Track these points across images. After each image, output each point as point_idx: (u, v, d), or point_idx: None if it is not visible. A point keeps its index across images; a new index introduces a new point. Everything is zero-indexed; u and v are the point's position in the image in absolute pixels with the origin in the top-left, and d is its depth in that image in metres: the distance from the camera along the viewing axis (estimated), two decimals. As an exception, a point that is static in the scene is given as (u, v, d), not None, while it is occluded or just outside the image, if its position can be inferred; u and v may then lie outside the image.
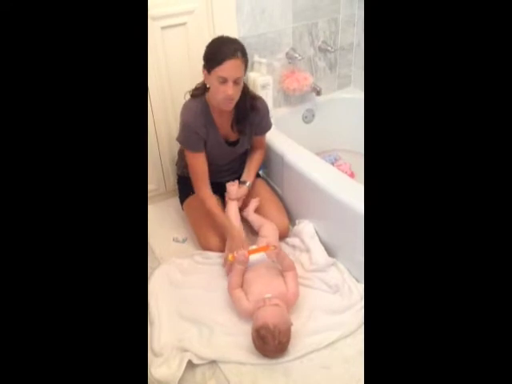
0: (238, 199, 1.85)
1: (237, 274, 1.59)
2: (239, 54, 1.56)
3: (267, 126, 1.89)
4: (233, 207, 1.83)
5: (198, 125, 1.71)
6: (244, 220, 1.89)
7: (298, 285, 1.59)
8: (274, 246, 1.61)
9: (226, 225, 1.75)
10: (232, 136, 1.83)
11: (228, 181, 1.90)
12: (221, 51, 1.56)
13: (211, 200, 1.79)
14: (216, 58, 1.56)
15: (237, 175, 1.95)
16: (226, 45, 1.57)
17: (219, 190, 1.89)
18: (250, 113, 1.76)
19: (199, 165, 1.77)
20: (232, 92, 1.59)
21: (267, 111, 1.85)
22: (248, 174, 1.90)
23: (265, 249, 1.62)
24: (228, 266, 1.68)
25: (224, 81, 1.57)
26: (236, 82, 1.59)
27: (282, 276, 1.61)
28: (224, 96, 1.60)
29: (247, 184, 1.87)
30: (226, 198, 1.86)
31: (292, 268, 1.61)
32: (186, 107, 1.74)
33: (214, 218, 1.78)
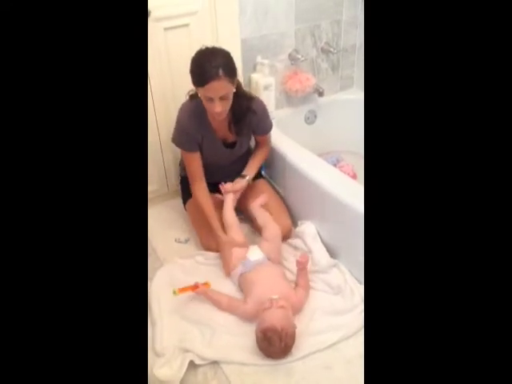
0: (234, 192, 1.83)
1: (213, 294, 1.57)
2: (221, 72, 1.50)
3: (267, 127, 1.86)
4: (229, 202, 1.81)
5: (191, 127, 1.72)
6: (245, 219, 1.88)
7: (307, 296, 1.59)
8: (301, 260, 1.58)
9: (216, 230, 1.76)
10: (230, 137, 1.82)
11: (232, 181, 1.90)
12: (203, 72, 1.51)
13: (206, 200, 1.79)
14: (199, 78, 1.54)
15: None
16: (208, 63, 1.51)
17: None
18: (246, 113, 1.74)
19: (194, 164, 1.79)
20: (219, 109, 1.58)
21: (265, 112, 1.82)
22: (249, 169, 1.88)
23: (193, 288, 1.56)
24: (227, 269, 1.68)
25: (210, 99, 1.57)
26: (223, 98, 1.57)
27: (286, 279, 1.61)
28: (212, 112, 1.62)
29: (247, 178, 1.85)
30: (222, 191, 1.83)
31: (306, 288, 1.59)
32: (182, 108, 1.75)
33: (207, 220, 1.78)
